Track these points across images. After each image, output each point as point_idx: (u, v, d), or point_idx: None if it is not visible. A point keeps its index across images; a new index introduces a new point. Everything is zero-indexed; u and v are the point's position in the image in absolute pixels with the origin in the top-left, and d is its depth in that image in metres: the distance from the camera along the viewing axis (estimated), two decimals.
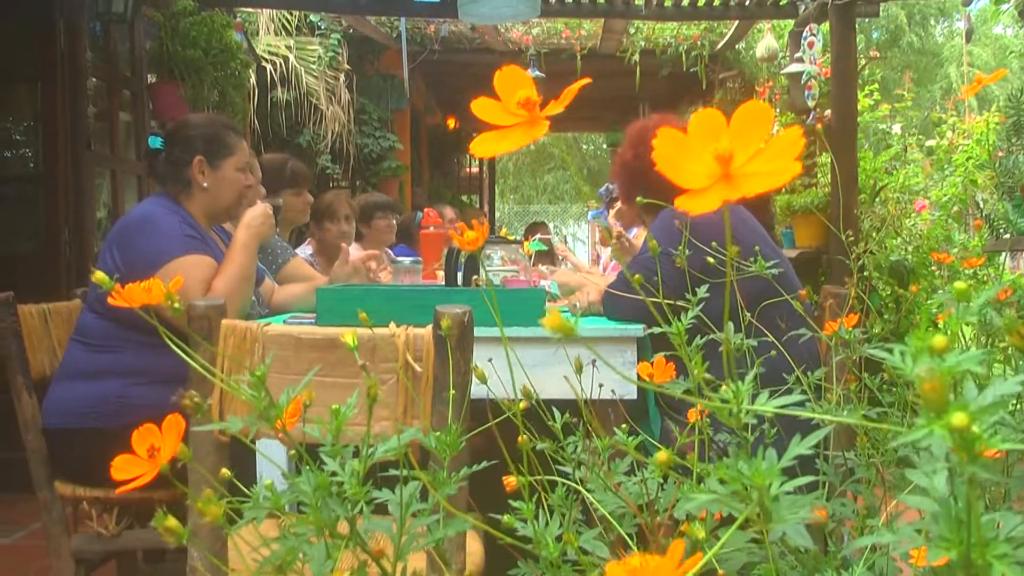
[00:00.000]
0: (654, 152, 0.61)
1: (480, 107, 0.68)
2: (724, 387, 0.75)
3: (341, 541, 0.81)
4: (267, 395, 0.86)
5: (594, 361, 1.32)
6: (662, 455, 0.82)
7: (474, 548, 1.96)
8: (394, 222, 5.38)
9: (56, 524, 2.52)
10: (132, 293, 0.83)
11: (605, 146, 20.09)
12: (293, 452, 1.00)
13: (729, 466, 0.66)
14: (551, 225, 18.92)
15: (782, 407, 0.69)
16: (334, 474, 0.85)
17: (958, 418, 0.50)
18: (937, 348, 0.56)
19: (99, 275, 0.85)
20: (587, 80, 0.77)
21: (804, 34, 6.29)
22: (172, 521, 0.74)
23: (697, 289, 1.48)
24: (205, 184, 2.85)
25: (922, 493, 0.64)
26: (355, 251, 3.80)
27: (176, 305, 0.83)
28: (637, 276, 1.65)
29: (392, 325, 1.71)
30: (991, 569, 0.56)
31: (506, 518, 0.99)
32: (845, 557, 1.26)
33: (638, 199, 2.16)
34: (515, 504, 1.03)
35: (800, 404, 0.72)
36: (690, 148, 0.61)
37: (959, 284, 0.76)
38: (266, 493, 0.85)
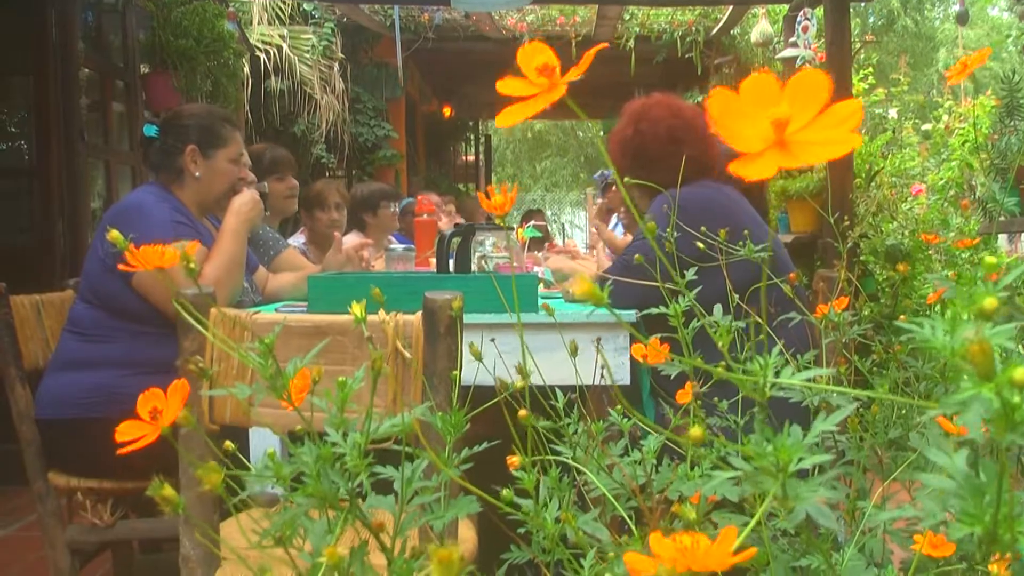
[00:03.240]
0: (709, 109, 0.60)
1: (505, 86, 0.70)
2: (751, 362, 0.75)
3: (341, 514, 0.81)
4: (274, 363, 0.86)
5: (598, 340, 1.31)
6: (696, 431, 0.79)
7: (466, 535, 1.96)
8: (397, 210, 5.37)
9: (50, 515, 2.52)
10: (146, 255, 0.82)
11: (602, 133, 20.08)
12: (300, 427, 0.99)
13: (755, 442, 0.65)
14: (548, 213, 18.90)
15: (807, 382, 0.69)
16: (335, 445, 0.85)
17: (1019, 373, 0.49)
18: (987, 311, 0.54)
19: (114, 234, 0.84)
20: (604, 45, 0.79)
21: (798, 18, 6.27)
22: (169, 490, 0.73)
23: (693, 273, 1.48)
24: (197, 173, 2.85)
25: (934, 471, 0.63)
26: (357, 240, 3.79)
27: (192, 266, 0.83)
28: (638, 257, 1.65)
29: (381, 312, 1.71)
30: (1017, 543, 0.56)
31: (505, 492, 0.99)
32: (836, 539, 1.26)
33: (628, 179, 2.15)
34: (517, 475, 1.02)
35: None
36: (743, 111, 0.60)
37: (989, 258, 0.75)
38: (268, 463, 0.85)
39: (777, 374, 0.73)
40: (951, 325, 0.57)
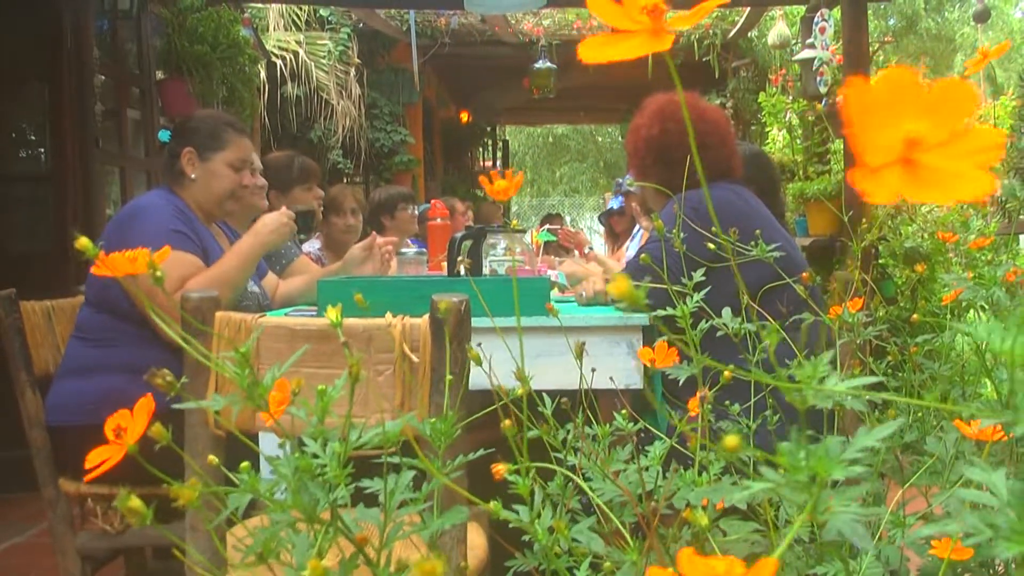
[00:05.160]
0: (845, 103, 0.51)
1: (596, 4, 0.60)
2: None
3: (321, 528, 0.79)
4: (251, 373, 0.84)
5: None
6: (731, 440, 0.73)
7: (477, 542, 1.93)
8: (415, 213, 5.38)
9: (61, 521, 2.51)
10: (115, 262, 0.81)
11: (620, 139, 20.02)
12: (281, 442, 0.97)
13: (791, 453, 0.61)
14: (567, 218, 18.87)
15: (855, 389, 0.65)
16: (316, 456, 0.82)
17: None
18: None
19: (83, 241, 0.83)
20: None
21: (815, 20, 6.22)
22: (135, 501, 0.73)
23: (701, 274, 1.45)
24: (192, 176, 2.86)
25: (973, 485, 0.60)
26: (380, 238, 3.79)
27: (158, 274, 0.81)
28: (644, 257, 1.62)
29: (388, 315, 1.68)
30: None
31: (493, 505, 0.96)
32: (852, 547, 1.23)
33: (644, 180, 2.12)
34: (511, 479, 1.00)
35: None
36: (880, 114, 0.51)
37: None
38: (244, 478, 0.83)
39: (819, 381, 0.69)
40: (1016, 328, 0.52)
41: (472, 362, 1.15)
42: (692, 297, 1.31)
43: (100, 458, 0.77)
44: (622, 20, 0.59)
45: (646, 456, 1.18)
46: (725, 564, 0.50)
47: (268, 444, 2.27)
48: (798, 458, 0.62)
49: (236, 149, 2.90)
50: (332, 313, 0.91)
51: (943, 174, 0.48)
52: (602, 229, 6.96)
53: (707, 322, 1.35)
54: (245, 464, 0.83)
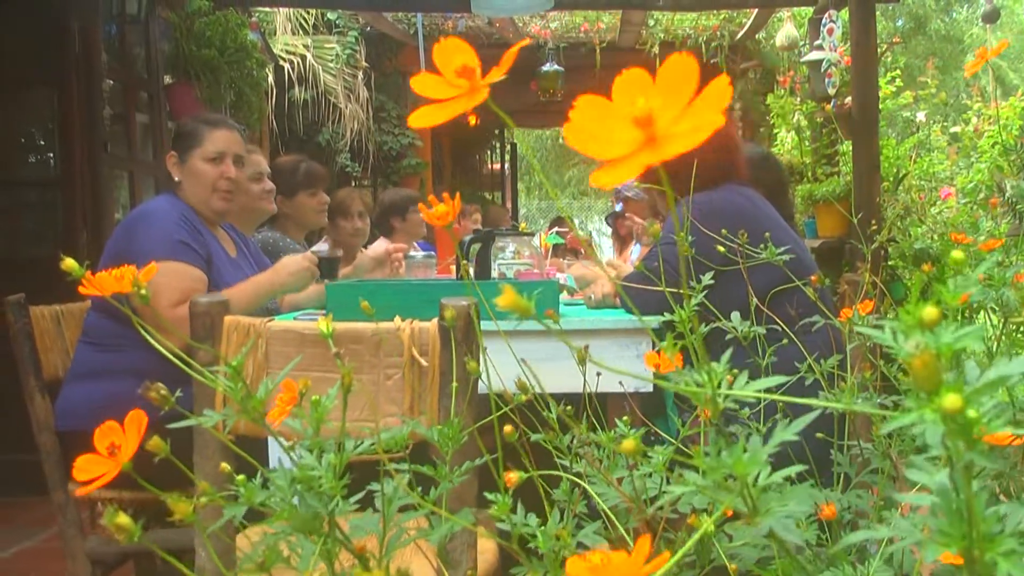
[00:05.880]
0: (570, 123, 0.56)
1: (419, 83, 0.66)
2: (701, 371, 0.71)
3: (320, 539, 0.78)
4: (244, 387, 0.84)
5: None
6: (628, 444, 0.76)
7: (487, 546, 1.93)
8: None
9: (71, 526, 2.51)
10: (103, 281, 0.81)
11: None
12: (288, 446, 0.97)
13: (710, 454, 0.61)
14: (576, 221, 18.83)
15: (759, 392, 0.65)
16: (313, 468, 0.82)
17: (950, 400, 0.45)
18: (928, 321, 0.49)
19: (69, 262, 0.83)
20: (526, 41, 0.72)
21: (823, 21, 6.21)
22: (123, 518, 0.72)
23: (711, 278, 1.45)
24: (177, 178, 2.91)
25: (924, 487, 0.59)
26: (389, 244, 3.79)
27: (143, 292, 0.80)
28: (638, 264, 1.61)
29: (397, 319, 1.68)
30: (996, 567, 0.51)
31: (493, 510, 0.96)
32: (862, 550, 1.22)
33: (649, 184, 2.11)
34: (491, 497, 0.99)
35: (804, 391, 0.68)
36: (614, 114, 0.55)
37: (955, 253, 0.70)
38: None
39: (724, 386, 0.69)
40: (906, 331, 0.51)
41: (492, 366, 1.15)
42: (697, 300, 1.30)
43: (93, 470, 0.77)
44: (444, 89, 0.65)
45: (649, 462, 1.17)
46: (602, 556, 0.54)
47: (278, 449, 2.27)
48: (717, 459, 0.63)
49: (210, 142, 2.91)
50: (323, 323, 0.90)
51: (682, 133, 0.52)
52: (610, 231, 6.98)
53: (706, 326, 1.34)
54: (241, 477, 0.82)
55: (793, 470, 0.63)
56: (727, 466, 0.60)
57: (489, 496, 0.96)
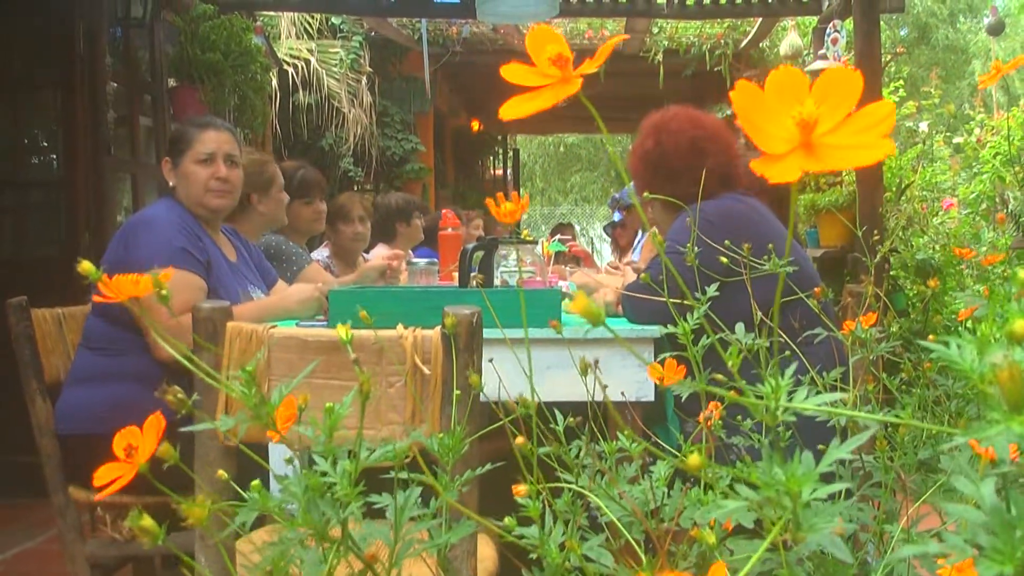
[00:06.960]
0: (735, 105, 0.57)
1: (510, 72, 0.66)
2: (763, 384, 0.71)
3: (332, 546, 0.78)
4: (258, 392, 0.83)
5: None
6: (693, 459, 0.75)
7: (487, 553, 1.93)
8: (422, 222, 5.37)
9: (71, 529, 2.51)
10: (120, 286, 0.80)
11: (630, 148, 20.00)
12: (288, 458, 0.97)
13: (763, 470, 0.61)
14: (578, 227, 18.84)
15: (822, 406, 0.65)
16: (325, 474, 0.82)
17: None
18: (1019, 334, 0.50)
19: (85, 265, 0.82)
20: (624, 36, 0.73)
21: (828, 30, 6.21)
22: (148, 521, 0.72)
23: (716, 289, 1.45)
24: (172, 183, 2.93)
25: (959, 500, 0.59)
26: (384, 252, 3.79)
27: (164, 293, 0.80)
28: (643, 276, 1.61)
29: (400, 327, 1.68)
30: None
31: (507, 520, 0.96)
32: (865, 564, 1.22)
33: (647, 194, 2.11)
34: (521, 503, 0.99)
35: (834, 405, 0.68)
36: (769, 107, 0.56)
37: (1022, 272, 0.70)
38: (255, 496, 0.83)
39: (791, 397, 0.69)
40: (980, 346, 0.52)
41: (495, 373, 1.15)
42: (701, 311, 1.30)
43: (111, 475, 0.77)
44: (536, 78, 0.65)
45: (649, 475, 1.17)
46: None
47: (278, 455, 2.27)
48: (771, 475, 0.62)
49: (200, 143, 2.91)
50: (343, 330, 0.90)
51: (843, 148, 0.53)
52: (609, 239, 6.99)
53: (707, 337, 1.34)
54: (256, 482, 0.82)
55: (840, 487, 0.62)
56: (779, 483, 0.59)
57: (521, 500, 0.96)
